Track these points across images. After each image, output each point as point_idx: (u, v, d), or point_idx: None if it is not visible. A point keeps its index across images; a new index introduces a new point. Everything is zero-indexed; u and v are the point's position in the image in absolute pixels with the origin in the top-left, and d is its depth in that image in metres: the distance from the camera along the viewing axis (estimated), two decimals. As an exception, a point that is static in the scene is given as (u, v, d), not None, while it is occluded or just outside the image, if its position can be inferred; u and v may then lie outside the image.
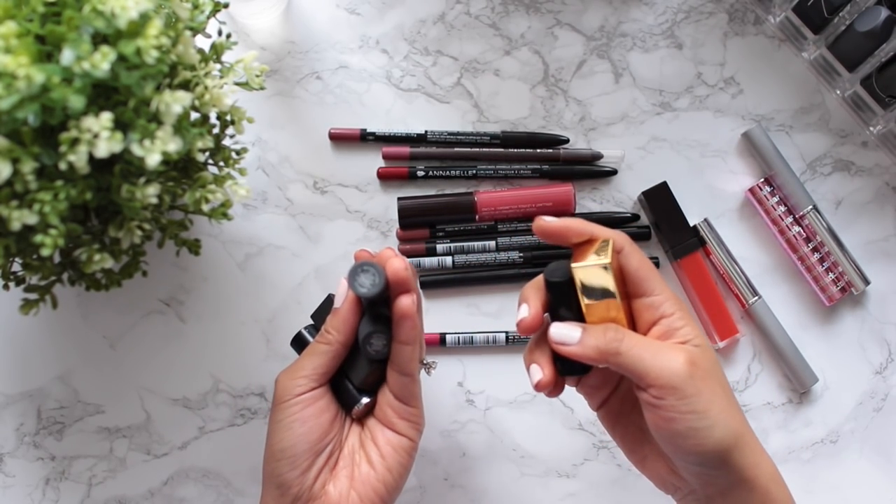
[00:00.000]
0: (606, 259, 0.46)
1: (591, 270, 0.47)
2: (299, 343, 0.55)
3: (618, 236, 0.49)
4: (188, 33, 0.48)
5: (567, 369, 0.48)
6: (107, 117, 0.42)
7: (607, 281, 0.46)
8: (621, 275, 0.48)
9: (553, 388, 0.48)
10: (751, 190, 0.64)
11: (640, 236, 0.64)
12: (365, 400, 0.53)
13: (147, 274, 0.54)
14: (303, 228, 0.64)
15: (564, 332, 0.47)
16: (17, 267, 0.52)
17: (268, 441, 0.51)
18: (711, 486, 0.47)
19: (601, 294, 0.47)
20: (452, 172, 0.64)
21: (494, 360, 0.64)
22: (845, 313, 0.64)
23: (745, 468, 0.46)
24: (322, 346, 0.52)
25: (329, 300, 0.53)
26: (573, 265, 0.47)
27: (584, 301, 0.47)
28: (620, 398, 0.51)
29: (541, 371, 0.48)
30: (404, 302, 0.50)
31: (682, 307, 0.48)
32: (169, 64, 0.46)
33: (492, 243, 0.64)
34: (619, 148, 0.64)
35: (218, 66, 0.51)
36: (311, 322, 0.56)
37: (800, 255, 0.63)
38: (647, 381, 0.45)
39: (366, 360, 0.52)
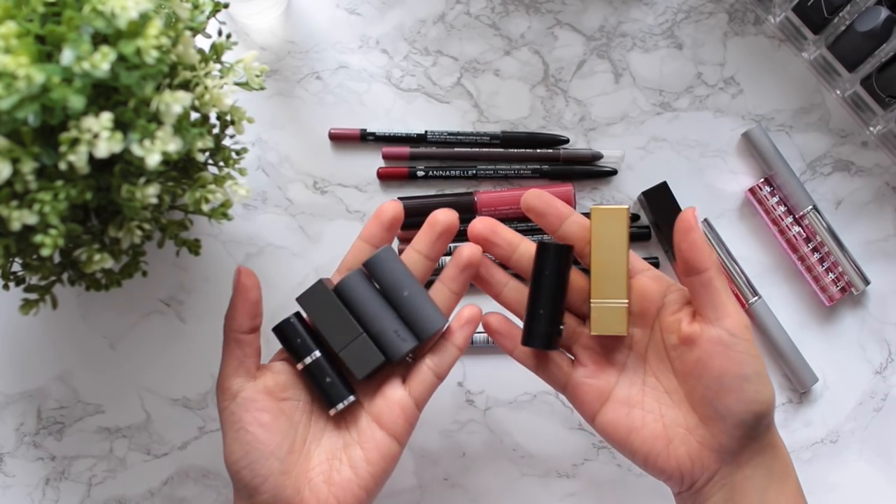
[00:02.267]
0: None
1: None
2: (282, 333, 0.52)
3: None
4: (188, 33, 0.48)
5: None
6: (107, 117, 0.42)
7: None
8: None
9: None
10: (751, 190, 0.64)
11: (640, 236, 0.64)
12: (351, 398, 0.51)
13: (147, 274, 0.54)
14: (303, 228, 0.64)
15: (688, 215, 0.49)
16: (17, 267, 0.52)
17: (224, 452, 0.50)
18: (748, 447, 0.48)
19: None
20: (452, 172, 0.64)
21: (494, 361, 0.64)
22: (845, 313, 0.64)
23: (774, 431, 0.49)
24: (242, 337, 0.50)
25: (321, 284, 0.51)
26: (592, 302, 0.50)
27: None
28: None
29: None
30: (472, 310, 0.51)
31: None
32: (169, 64, 0.46)
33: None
34: (619, 148, 0.64)
35: (218, 66, 0.51)
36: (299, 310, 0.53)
37: (800, 255, 0.63)
38: (725, 312, 0.47)
39: (373, 355, 0.50)
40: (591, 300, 0.51)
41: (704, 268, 0.48)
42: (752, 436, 0.47)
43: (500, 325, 0.53)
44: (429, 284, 0.53)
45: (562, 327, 0.51)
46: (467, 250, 0.51)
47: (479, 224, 0.52)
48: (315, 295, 0.51)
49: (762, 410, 0.47)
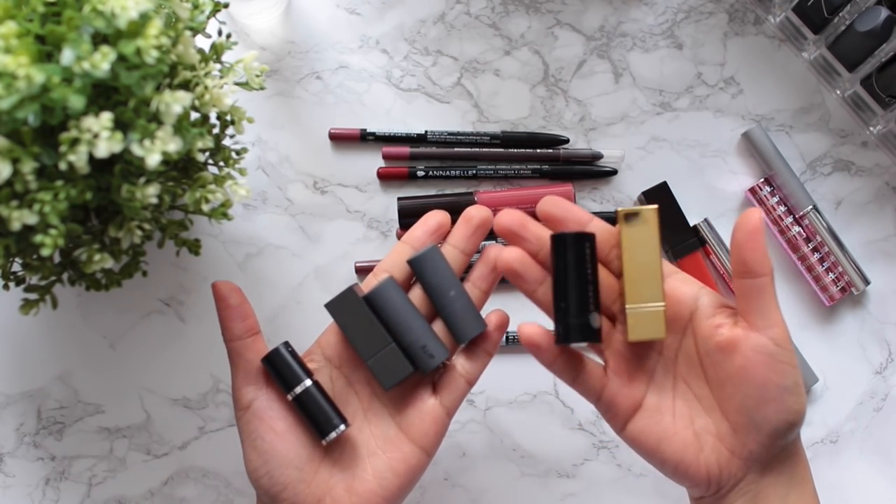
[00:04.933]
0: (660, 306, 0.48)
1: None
2: (271, 363, 0.50)
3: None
4: (188, 33, 0.48)
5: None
6: (107, 117, 0.42)
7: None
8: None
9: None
10: (751, 190, 0.64)
11: (640, 236, 0.64)
12: (342, 427, 0.49)
13: (147, 274, 0.54)
14: (303, 228, 0.64)
15: (755, 217, 0.47)
16: (17, 267, 0.52)
17: (244, 462, 0.49)
18: (775, 456, 0.47)
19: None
20: (452, 172, 0.64)
21: (494, 360, 0.63)
22: (845, 313, 0.64)
23: (798, 438, 0.48)
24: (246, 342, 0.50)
25: (351, 291, 0.50)
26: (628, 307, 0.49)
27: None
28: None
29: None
30: (501, 315, 0.51)
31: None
32: (169, 64, 0.46)
33: (492, 243, 0.63)
34: (619, 148, 0.64)
35: (218, 66, 0.51)
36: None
37: (800, 255, 0.63)
38: (774, 321, 0.47)
39: (402, 366, 0.49)
40: (627, 305, 0.48)
41: (764, 272, 0.47)
42: (782, 445, 0.47)
43: (538, 337, 0.49)
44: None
45: (596, 320, 0.48)
46: (503, 252, 0.49)
47: (506, 217, 0.49)
48: (344, 302, 0.50)
49: (797, 421, 0.47)
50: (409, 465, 0.49)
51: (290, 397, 0.49)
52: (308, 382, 0.49)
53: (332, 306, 0.50)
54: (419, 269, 0.50)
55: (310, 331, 0.63)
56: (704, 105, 0.65)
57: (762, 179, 0.64)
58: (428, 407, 0.50)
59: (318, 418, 0.49)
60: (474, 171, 0.64)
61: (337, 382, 0.51)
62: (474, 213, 0.51)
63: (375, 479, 0.49)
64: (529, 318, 0.50)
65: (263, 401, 0.49)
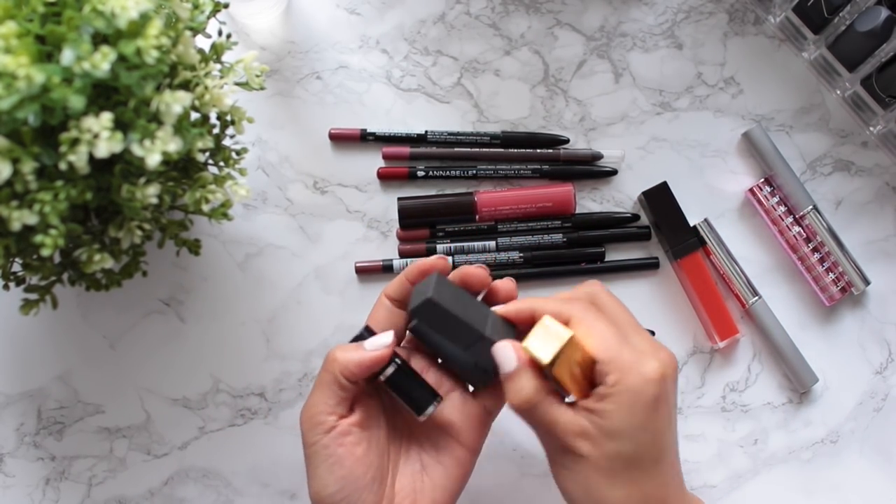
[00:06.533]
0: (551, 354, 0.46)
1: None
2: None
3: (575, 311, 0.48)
4: (188, 33, 0.48)
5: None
6: (107, 117, 0.42)
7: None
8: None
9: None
10: (751, 190, 0.64)
11: (640, 236, 0.64)
12: (439, 399, 0.50)
13: (147, 274, 0.54)
14: (303, 228, 0.64)
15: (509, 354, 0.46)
16: (17, 267, 0.52)
17: (311, 484, 0.48)
18: None
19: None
20: (452, 172, 0.64)
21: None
22: (845, 313, 0.64)
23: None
24: (343, 380, 0.48)
25: (430, 301, 0.47)
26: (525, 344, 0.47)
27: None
28: None
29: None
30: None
31: (631, 384, 0.45)
32: (169, 64, 0.46)
33: (492, 243, 0.63)
34: (619, 148, 0.64)
35: (218, 66, 0.51)
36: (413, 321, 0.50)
37: (800, 255, 0.63)
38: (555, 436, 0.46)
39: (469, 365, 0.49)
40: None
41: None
42: None
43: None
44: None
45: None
46: None
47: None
48: (432, 309, 0.48)
49: None
50: (462, 468, 0.51)
51: (381, 378, 0.49)
52: (398, 361, 0.50)
53: (418, 313, 0.49)
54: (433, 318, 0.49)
55: (310, 331, 0.63)
56: (704, 105, 0.65)
57: (762, 179, 0.64)
58: (471, 409, 0.51)
59: (413, 395, 0.50)
60: (474, 172, 0.64)
61: (385, 395, 0.52)
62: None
63: (434, 489, 0.50)
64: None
65: (344, 425, 0.48)
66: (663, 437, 0.46)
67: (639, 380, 0.45)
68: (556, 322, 0.47)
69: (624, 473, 0.45)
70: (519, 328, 0.49)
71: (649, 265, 0.64)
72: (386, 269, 0.63)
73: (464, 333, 0.48)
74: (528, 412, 0.46)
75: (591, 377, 0.47)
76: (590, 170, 0.64)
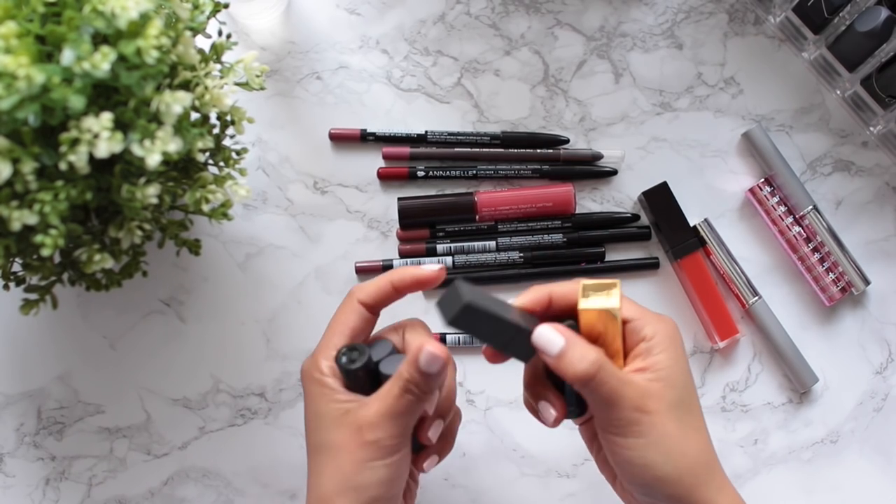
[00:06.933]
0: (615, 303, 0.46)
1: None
2: (473, 315, 0.45)
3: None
4: (188, 33, 0.48)
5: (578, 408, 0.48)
6: (107, 117, 0.42)
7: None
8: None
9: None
10: (751, 190, 0.64)
11: (640, 236, 0.64)
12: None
13: (147, 274, 0.54)
14: (303, 228, 0.64)
15: (548, 338, 0.46)
16: (17, 267, 0.52)
17: (357, 482, 0.46)
18: None
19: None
20: (452, 172, 0.64)
21: (494, 360, 0.64)
22: (845, 313, 0.64)
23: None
24: (412, 404, 0.46)
25: (470, 306, 0.44)
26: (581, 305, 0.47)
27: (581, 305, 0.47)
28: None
29: (552, 408, 0.48)
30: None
31: (665, 332, 0.47)
32: (169, 64, 0.46)
33: (492, 243, 0.64)
34: (619, 148, 0.64)
35: (218, 66, 0.51)
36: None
37: (800, 255, 0.63)
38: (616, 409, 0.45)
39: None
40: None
41: None
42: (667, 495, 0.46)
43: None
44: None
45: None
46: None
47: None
48: (470, 316, 0.46)
49: (660, 485, 0.46)
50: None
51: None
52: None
53: (458, 321, 0.46)
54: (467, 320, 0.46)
55: (310, 331, 0.63)
56: (704, 105, 0.65)
57: (762, 179, 0.64)
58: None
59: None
60: (474, 172, 0.64)
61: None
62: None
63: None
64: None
65: (401, 443, 0.48)
66: (693, 379, 0.48)
67: (668, 325, 0.47)
68: (592, 280, 0.48)
69: (687, 420, 0.46)
70: (537, 314, 0.49)
71: (649, 265, 0.64)
72: (386, 269, 0.63)
73: (504, 331, 0.47)
74: (593, 381, 0.45)
75: (623, 344, 0.48)
76: (590, 170, 0.64)
